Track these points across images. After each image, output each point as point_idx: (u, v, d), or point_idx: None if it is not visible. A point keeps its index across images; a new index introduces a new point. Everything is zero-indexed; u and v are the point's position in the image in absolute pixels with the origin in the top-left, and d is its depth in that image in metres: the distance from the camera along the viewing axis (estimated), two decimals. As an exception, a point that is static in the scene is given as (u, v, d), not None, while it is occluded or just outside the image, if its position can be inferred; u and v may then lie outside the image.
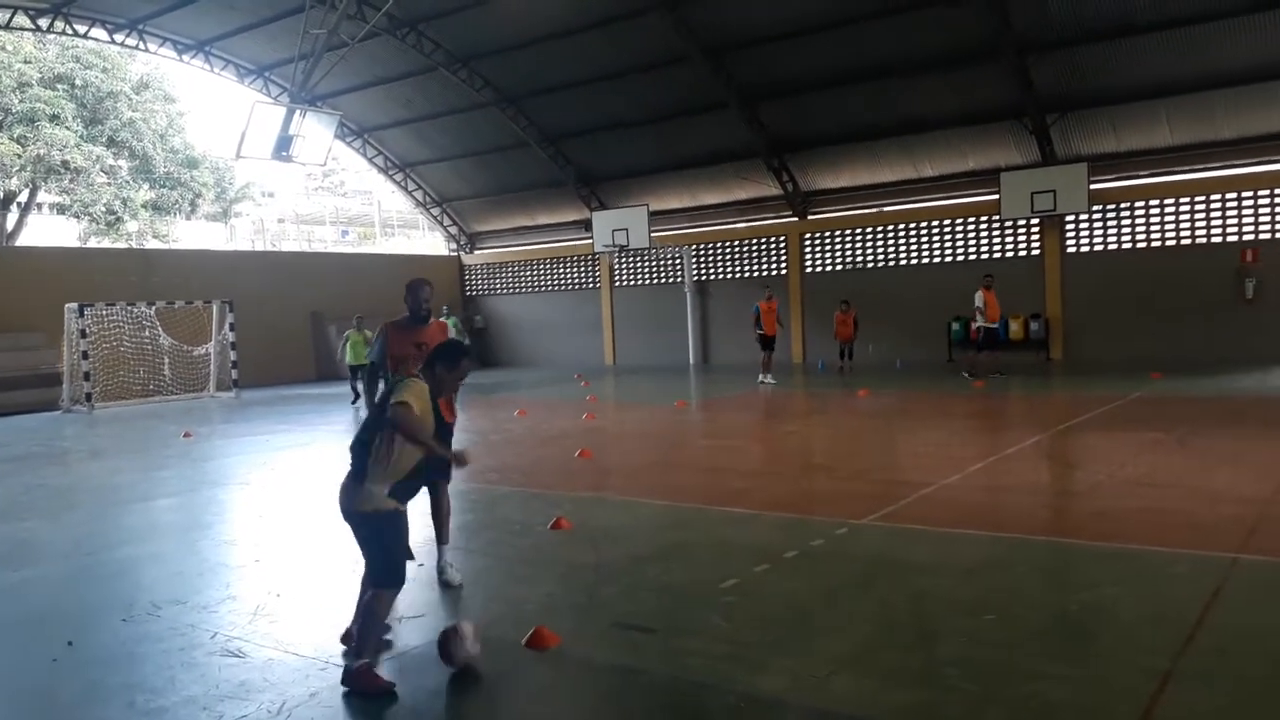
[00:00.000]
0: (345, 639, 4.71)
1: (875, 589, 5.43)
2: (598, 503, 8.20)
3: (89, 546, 7.31)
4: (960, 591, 5.31)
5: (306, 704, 4.12)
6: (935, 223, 22.55)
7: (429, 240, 41.46)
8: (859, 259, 23.63)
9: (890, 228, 23.16)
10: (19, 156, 28.20)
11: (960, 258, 22.19)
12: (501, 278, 30.72)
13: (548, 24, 21.75)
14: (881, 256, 23.31)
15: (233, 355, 21.73)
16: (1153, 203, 19.94)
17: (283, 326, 25.75)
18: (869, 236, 23.49)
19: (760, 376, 18.27)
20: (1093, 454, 9.80)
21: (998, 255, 21.72)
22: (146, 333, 21.11)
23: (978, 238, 22.01)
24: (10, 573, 6.58)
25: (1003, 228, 21.56)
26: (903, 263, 22.99)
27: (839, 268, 23.95)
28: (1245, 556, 5.66)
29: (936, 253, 22.58)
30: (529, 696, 4.21)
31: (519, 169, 27.45)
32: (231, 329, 21.75)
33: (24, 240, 31.55)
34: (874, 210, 23.53)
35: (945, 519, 6.96)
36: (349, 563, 6.43)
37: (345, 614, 5.30)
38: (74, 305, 19.43)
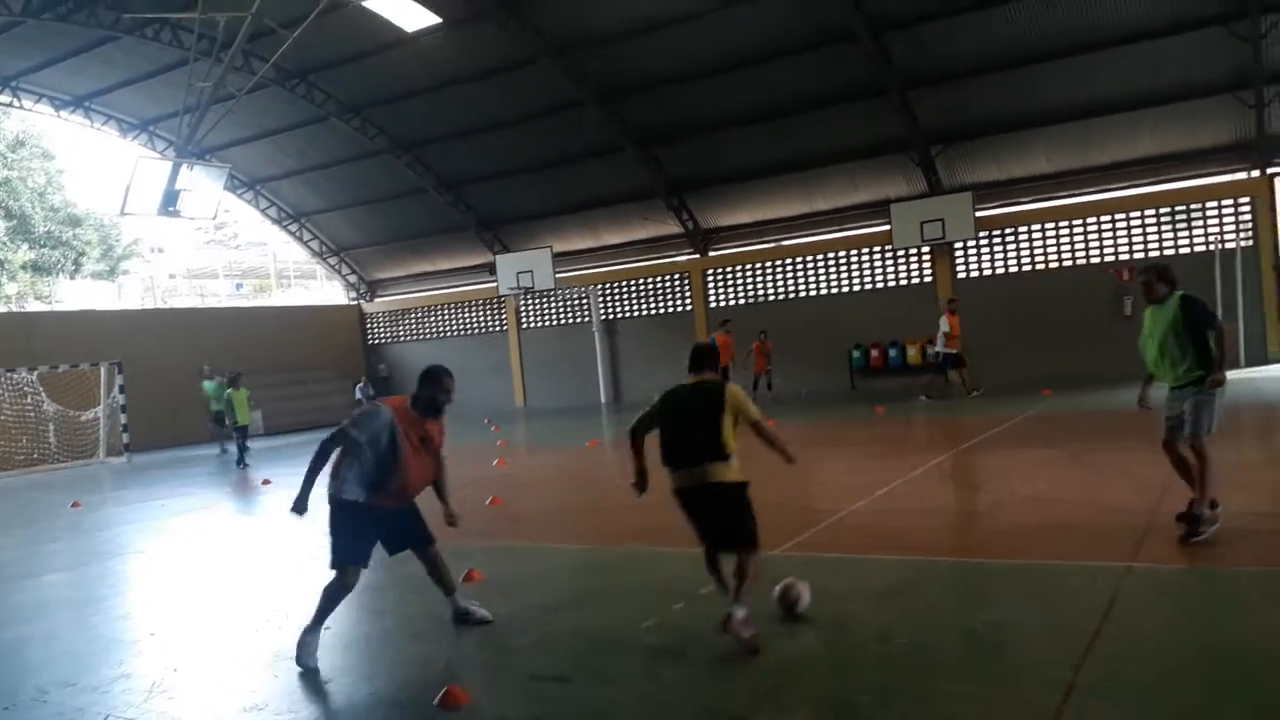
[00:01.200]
0: None
1: (789, 619, 5.46)
2: (509, 551, 8.07)
3: (-34, 632, 6.83)
4: (872, 616, 5.39)
5: (206, 787, 3.91)
6: (832, 254, 23.18)
7: (327, 290, 40.63)
8: (760, 292, 24.08)
9: (789, 261, 23.71)
10: (-119, 220, 26.74)
11: (857, 287, 22.81)
12: (404, 324, 30.27)
13: (439, 74, 21.77)
14: (782, 289, 23.81)
15: (123, 418, 20.79)
16: (1035, 227, 20.90)
17: (176, 386, 24.70)
18: (769, 270, 23.98)
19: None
20: (992, 472, 10.12)
21: (892, 283, 22.42)
22: (29, 399, 20.09)
23: (873, 267, 22.68)
24: (-125, 668, 6.09)
25: (895, 257, 22.28)
26: (802, 294, 23.52)
27: (742, 302, 24.35)
28: (1137, 565, 5.90)
29: (835, 283, 23.18)
30: (443, 759, 4.08)
31: (417, 215, 27.21)
32: (121, 391, 20.84)
33: (-111, 308, 29.78)
34: (771, 245, 24.07)
35: (855, 544, 7.08)
36: (249, 632, 6.18)
37: (250, 683, 5.08)
38: (-54, 374, 18.36)
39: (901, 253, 22.10)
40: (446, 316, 29.44)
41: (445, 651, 5.47)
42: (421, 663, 5.33)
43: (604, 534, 8.45)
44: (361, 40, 20.78)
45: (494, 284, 25.91)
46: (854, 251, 22.92)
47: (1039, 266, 20.93)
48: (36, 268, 32.01)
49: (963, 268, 21.71)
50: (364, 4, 18.97)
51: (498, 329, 28.33)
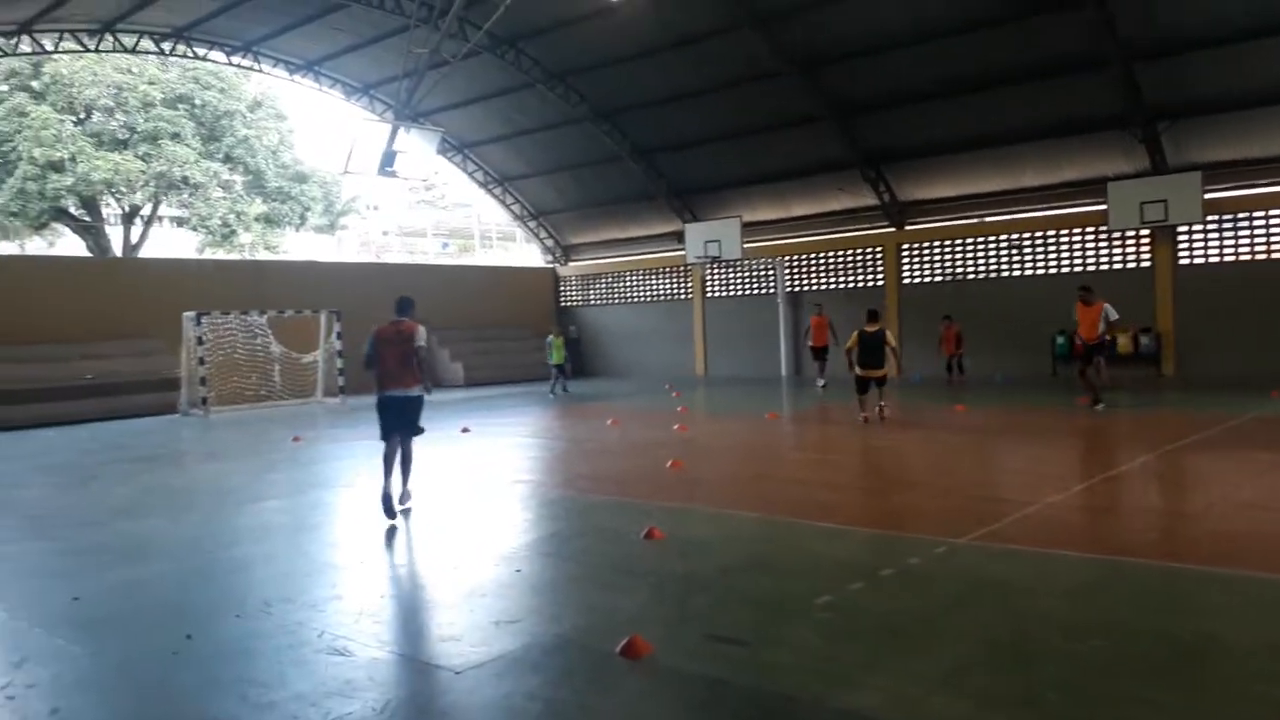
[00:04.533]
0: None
1: (974, 610, 5.33)
2: (689, 513, 8.23)
3: (206, 545, 7.69)
4: (1062, 614, 5.17)
5: (407, 704, 4.28)
6: (1039, 234, 21.91)
7: (526, 252, 42.21)
8: (958, 270, 23.12)
9: (990, 239, 22.61)
10: (143, 173, 29.83)
11: (1065, 269, 21.49)
12: (595, 289, 31.08)
13: (640, 42, 22.01)
14: (982, 268, 22.76)
15: (339, 363, 22.51)
16: (1272, 212, 18.98)
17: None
18: (968, 247, 22.97)
19: (821, 382, 20.68)
20: (1205, 475, 9.38)
21: (1104, 267, 20.97)
22: (258, 340, 22.06)
23: (1084, 249, 21.28)
24: (135, 568, 6.98)
25: (1110, 239, 20.80)
26: (1003, 274, 22.40)
27: (937, 279, 23.47)
28: (1374, 587, 5.36)
29: (1040, 264, 21.93)
30: (622, 705, 4.27)
31: (612, 182, 27.76)
32: (338, 338, 22.55)
33: (146, 251, 33.32)
34: (974, 221, 23.00)
35: (1048, 539, 6.78)
36: (449, 568, 6.63)
37: (446, 615, 5.48)
38: (191, 314, 20.43)
39: (1117, 235, 20.61)
40: (635, 282, 30.00)
41: (628, 602, 5.68)
42: (605, 611, 5.56)
43: (782, 505, 8.46)
44: (570, 6, 21.29)
45: (682, 252, 26.14)
46: (1062, 232, 21.57)
47: (1275, 255, 19.00)
48: (268, 220, 34.95)
49: (1185, 254, 20.02)
50: (573, -29, 19.44)
51: (683, 297, 28.61)
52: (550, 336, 22.22)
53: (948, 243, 23.32)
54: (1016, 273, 22.23)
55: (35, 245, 35.83)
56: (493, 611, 5.53)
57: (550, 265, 32.17)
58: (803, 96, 21.91)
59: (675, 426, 14.47)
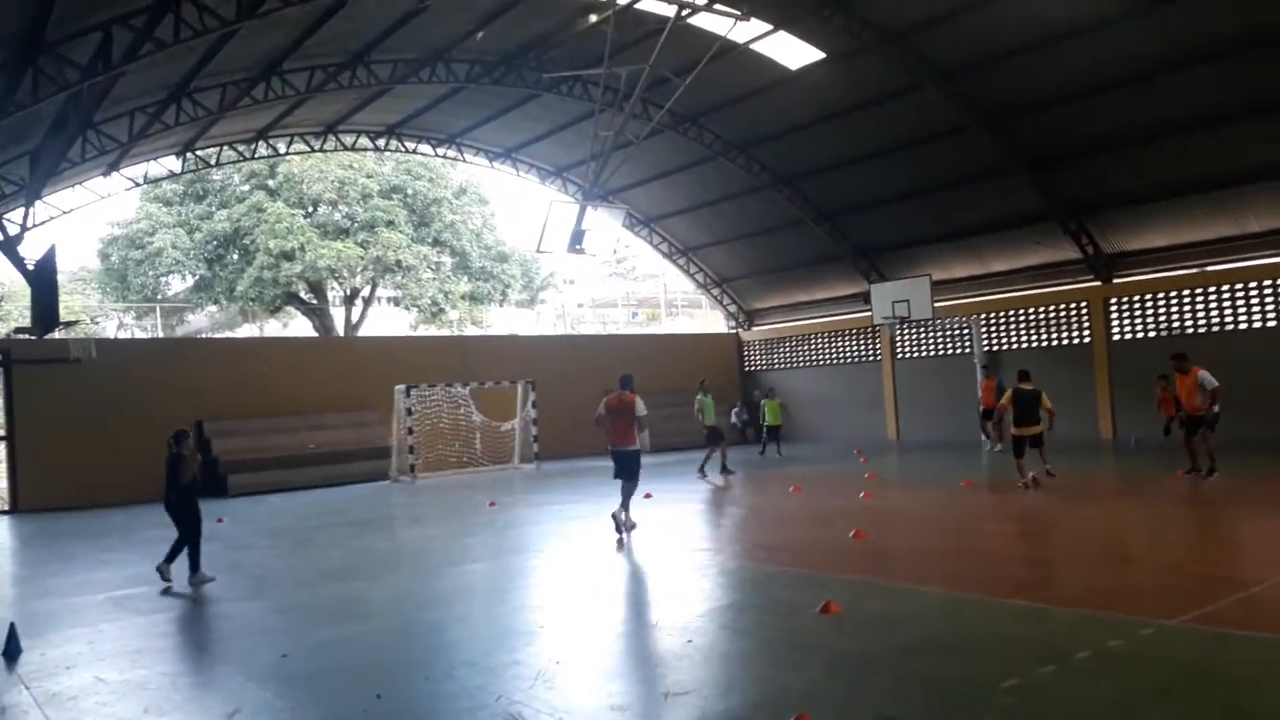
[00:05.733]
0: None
1: (1183, 701, 4.85)
2: (870, 587, 7.96)
3: (404, 607, 8.17)
4: (1288, 711, 4.62)
5: (575, 772, 4.35)
6: (1265, 281, 19.98)
7: (710, 318, 42.69)
8: (1175, 323, 21.38)
9: (1212, 289, 20.81)
10: (362, 258, 32.58)
11: (1302, 320, 19.44)
12: (779, 353, 30.92)
13: (819, 107, 22.07)
14: (1203, 320, 20.95)
15: (534, 430, 23.45)
16: None
17: (578, 403, 27.40)
18: (1186, 299, 21.23)
19: (987, 445, 20.96)
20: None
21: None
22: (461, 410, 23.36)
23: (1322, 297, 19.21)
24: (339, 628, 7.50)
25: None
26: (1228, 327, 20.52)
27: (1152, 334, 21.78)
28: None
29: (1271, 315, 19.94)
30: (786, 786, 4.17)
31: (795, 246, 27.72)
32: (534, 406, 23.53)
33: (365, 330, 36.20)
34: (1194, 270, 21.24)
35: (1275, 624, 6.08)
36: (624, 634, 6.72)
37: (618, 684, 5.55)
38: (402, 386, 21.92)
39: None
40: (819, 345, 29.62)
41: (799, 679, 5.56)
42: (777, 687, 5.47)
43: (971, 581, 8.03)
44: (747, 81, 21.70)
45: (868, 313, 25.61)
46: (1296, 278, 19.58)
47: None
48: (473, 298, 37.22)
49: None
50: (751, 47, 19.85)
51: (871, 359, 27.95)
52: (763, 400, 23.17)
53: (1162, 295, 21.66)
54: (1244, 326, 20.31)
55: (271, 327, 39.66)
56: (663, 683, 5.56)
57: (733, 330, 32.34)
58: (990, 148, 21.19)
59: (861, 494, 14.06)
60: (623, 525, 11.40)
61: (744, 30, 18.65)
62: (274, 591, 9.10)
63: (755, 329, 31.85)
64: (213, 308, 36.94)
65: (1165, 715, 4.67)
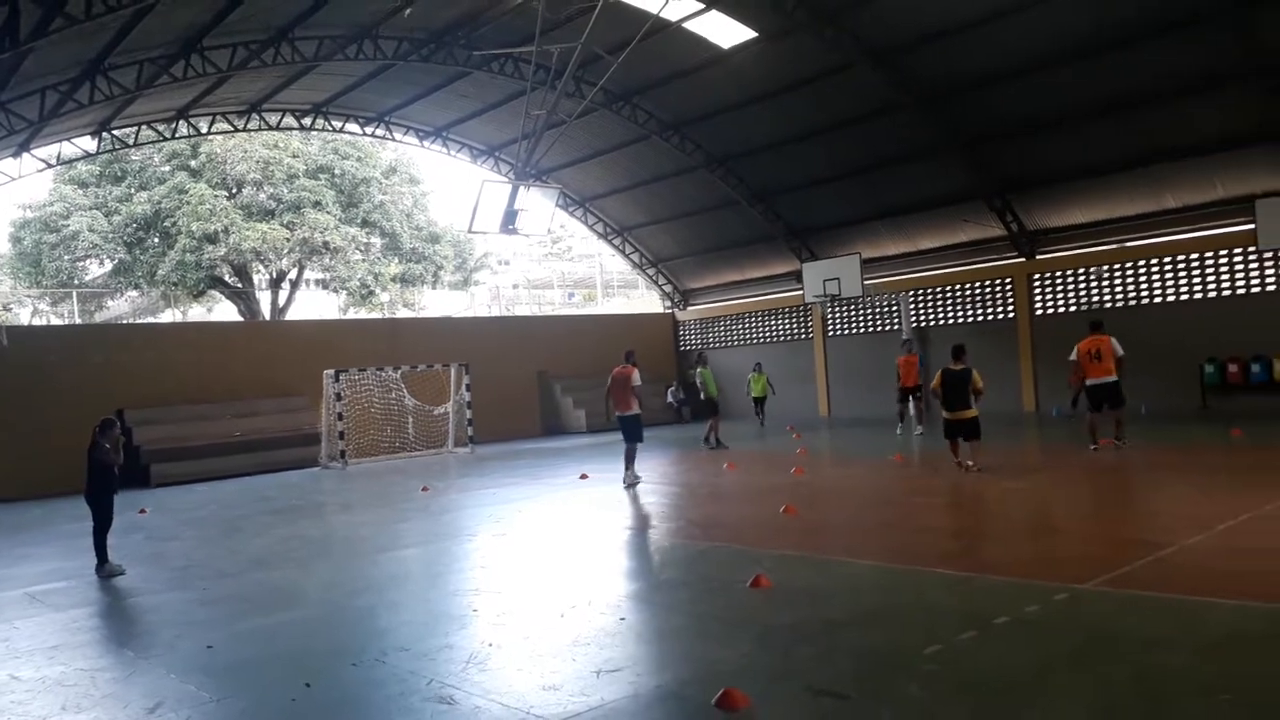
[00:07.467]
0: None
1: (1094, 663, 5.03)
2: (801, 561, 8.09)
3: (334, 594, 8.05)
4: (1194, 669, 4.82)
5: (505, 752, 4.35)
6: (1181, 257, 20.71)
7: (646, 299, 42.75)
8: (1095, 299, 22.05)
9: (1129, 265, 21.50)
10: (288, 240, 31.79)
11: (1212, 294, 20.21)
12: (714, 332, 31.13)
13: (753, 87, 22.15)
14: (1120, 295, 21.64)
15: (468, 414, 23.25)
16: None
17: (513, 385, 27.34)
18: (1105, 275, 21.90)
19: (899, 429, 19.51)
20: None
21: (1255, 289, 19.63)
22: (393, 394, 23.03)
23: (1232, 272, 19.98)
24: (266, 617, 7.37)
25: (1260, 259, 19.47)
26: (1144, 301, 21.24)
27: (1073, 309, 22.43)
28: None
29: (1185, 289, 20.69)
30: (715, 758, 4.22)
31: (729, 226, 27.88)
32: (468, 389, 23.31)
33: (292, 314, 35.41)
34: (1114, 246, 21.91)
35: (1184, 585, 6.34)
36: (556, 615, 6.72)
37: (550, 664, 5.56)
38: (331, 371, 21.53)
39: (1269, 255, 19.27)
40: (753, 324, 29.90)
41: (731, 652, 5.62)
42: (708, 661, 5.52)
43: (898, 553, 8.21)
44: (681, 60, 21.67)
45: (800, 292, 25.90)
46: (1208, 254, 20.32)
47: None
48: (404, 280, 36.64)
49: (1351, 271, 18.54)
50: (684, 25, 19.80)
51: (804, 337, 28.31)
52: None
53: (1083, 271, 22.31)
54: (1159, 299, 21.04)
55: (195, 312, 38.59)
56: (595, 661, 5.57)
57: (669, 310, 32.44)
58: (922, 128, 21.53)
59: (793, 470, 14.27)
60: (626, 480, 13.28)
61: (676, 8, 18.59)
62: (199, 582, 8.89)
63: (691, 308, 31.99)
64: (133, 293, 35.80)
65: (1077, 676, 4.84)
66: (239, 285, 34.06)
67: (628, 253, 31.51)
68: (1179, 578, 6.57)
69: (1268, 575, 6.58)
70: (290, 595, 8.18)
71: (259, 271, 34.75)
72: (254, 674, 5.90)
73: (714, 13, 19.44)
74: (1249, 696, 4.38)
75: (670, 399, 27.06)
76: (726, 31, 20.23)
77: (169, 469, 19.68)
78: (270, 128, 25.17)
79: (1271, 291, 19.44)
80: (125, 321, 37.78)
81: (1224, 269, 20.12)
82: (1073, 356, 14.31)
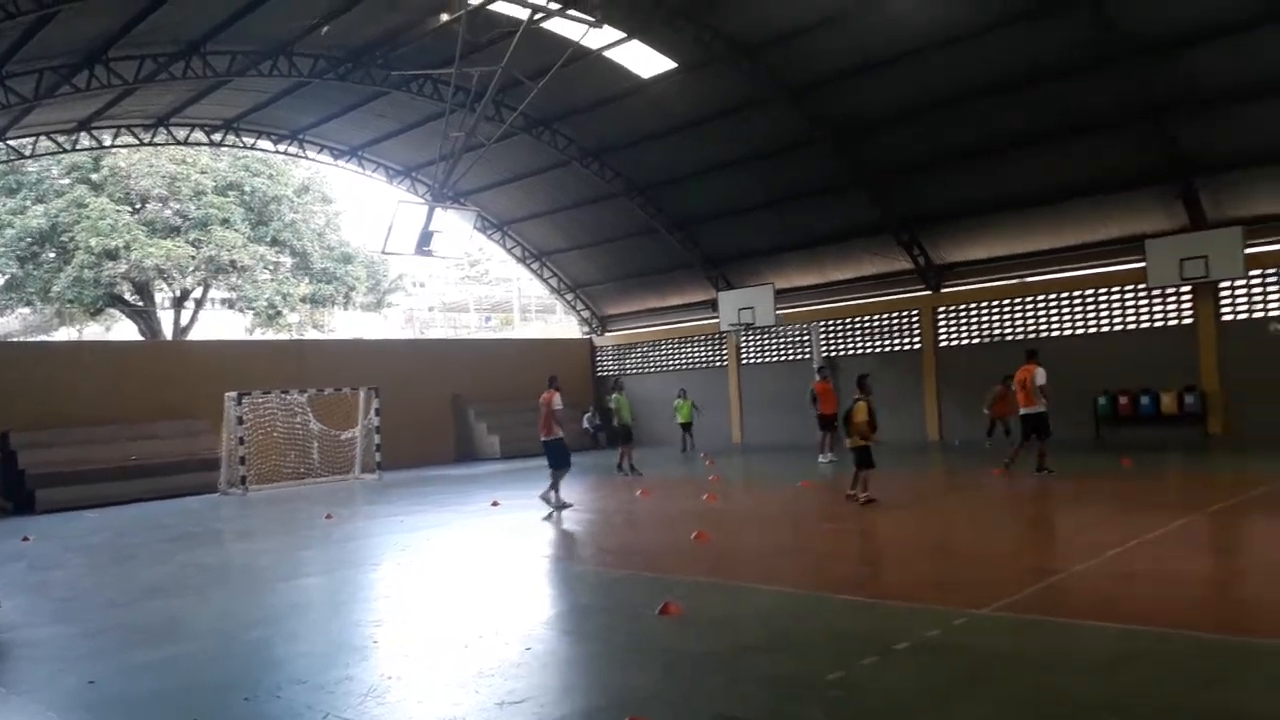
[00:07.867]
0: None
1: (991, 685, 5.16)
2: (711, 588, 8.12)
3: (229, 626, 7.74)
4: (1084, 690, 4.98)
5: (403, 788, 4.22)
6: (1078, 292, 21.64)
7: (564, 324, 42.70)
8: (997, 332, 22.86)
9: (1029, 299, 22.37)
10: (193, 258, 30.78)
11: (1105, 328, 21.16)
12: (631, 358, 31.23)
13: (672, 117, 22.46)
14: (1021, 328, 22.48)
15: (377, 439, 22.76)
16: (1320, 265, 18.57)
17: (426, 410, 26.88)
18: (1007, 309, 22.74)
19: (820, 456, 19.26)
20: (1249, 538, 9.05)
21: (1145, 325, 20.61)
22: (298, 418, 22.39)
23: (1124, 307, 20.96)
24: (156, 650, 7.04)
25: (1150, 296, 20.47)
26: (1044, 335, 22.09)
27: (975, 341, 23.21)
28: None
29: (1081, 323, 21.61)
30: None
31: (648, 254, 28.08)
32: (377, 414, 22.83)
33: (196, 334, 34.24)
34: (1014, 281, 22.77)
35: (1074, 609, 6.57)
36: (460, 646, 6.59)
37: (452, 695, 5.44)
38: (233, 394, 20.86)
39: (1158, 292, 20.28)
40: (670, 351, 30.11)
41: (638, 680, 5.59)
42: (614, 690, 5.49)
43: (806, 580, 8.32)
44: (602, 88, 21.83)
45: (717, 320, 26.22)
46: (1102, 290, 21.28)
47: (1326, 308, 18.53)
48: (314, 300, 35.76)
49: (1229, 308, 19.60)
50: (605, 54, 19.96)
51: (719, 364, 28.61)
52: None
53: (985, 305, 23.12)
54: (1057, 333, 21.91)
55: (92, 330, 36.99)
56: (499, 692, 5.47)
57: (587, 336, 32.44)
58: (834, 161, 22.10)
59: (704, 496, 14.34)
60: (551, 503, 13.34)
61: (597, 37, 18.75)
62: (83, 613, 8.45)
63: (608, 334, 32.04)
64: (25, 309, 34.13)
65: (974, 698, 4.95)
66: (140, 304, 32.79)
67: (546, 277, 31.44)
68: (1070, 602, 6.80)
69: (1151, 599, 6.86)
70: (182, 626, 7.84)
71: (161, 290, 33.52)
72: (138, 710, 5.61)
73: (634, 42, 19.69)
74: (1133, 715, 4.54)
75: (587, 424, 26.99)
76: (647, 61, 20.49)
77: (57, 494, 18.73)
78: (178, 143, 24.43)
79: (1160, 328, 20.44)
80: (16, 339, 35.97)
81: (1116, 305, 21.08)
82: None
